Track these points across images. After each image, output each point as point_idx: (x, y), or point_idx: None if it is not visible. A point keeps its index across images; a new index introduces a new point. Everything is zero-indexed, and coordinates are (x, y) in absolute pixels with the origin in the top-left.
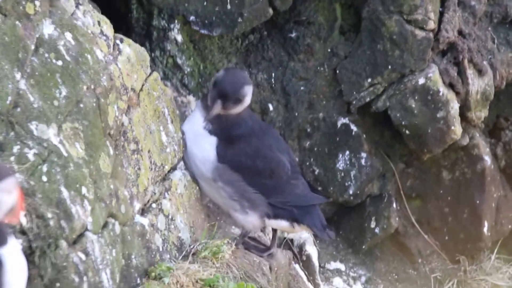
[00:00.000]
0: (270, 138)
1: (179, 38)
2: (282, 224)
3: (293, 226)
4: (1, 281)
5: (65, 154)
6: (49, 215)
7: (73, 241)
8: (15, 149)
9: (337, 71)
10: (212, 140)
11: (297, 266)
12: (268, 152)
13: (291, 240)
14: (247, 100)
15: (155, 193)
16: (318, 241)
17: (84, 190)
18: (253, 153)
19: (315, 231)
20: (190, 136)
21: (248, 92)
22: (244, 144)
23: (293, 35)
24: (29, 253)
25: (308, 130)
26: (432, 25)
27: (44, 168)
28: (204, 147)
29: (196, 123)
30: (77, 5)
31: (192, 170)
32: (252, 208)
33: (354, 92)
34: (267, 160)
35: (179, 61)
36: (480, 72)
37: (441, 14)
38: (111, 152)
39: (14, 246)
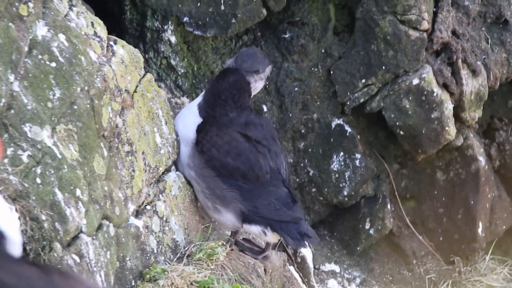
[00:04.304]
0: (259, 134)
1: (173, 39)
2: (253, 229)
3: (265, 233)
4: None
5: (59, 156)
6: (43, 217)
7: (67, 244)
8: (9, 151)
9: (331, 72)
10: (197, 120)
11: (291, 268)
12: (245, 150)
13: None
14: None
15: (149, 195)
16: None
17: (78, 192)
18: (227, 147)
19: (288, 241)
20: (183, 111)
21: None
22: (223, 134)
23: (287, 35)
24: (23, 255)
25: (302, 131)
26: (426, 25)
27: (38, 170)
28: (189, 126)
29: (194, 102)
30: (71, 6)
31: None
32: (224, 205)
33: (348, 93)
34: (241, 160)
35: (173, 62)
36: (474, 73)
37: (435, 14)
38: (105, 153)
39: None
